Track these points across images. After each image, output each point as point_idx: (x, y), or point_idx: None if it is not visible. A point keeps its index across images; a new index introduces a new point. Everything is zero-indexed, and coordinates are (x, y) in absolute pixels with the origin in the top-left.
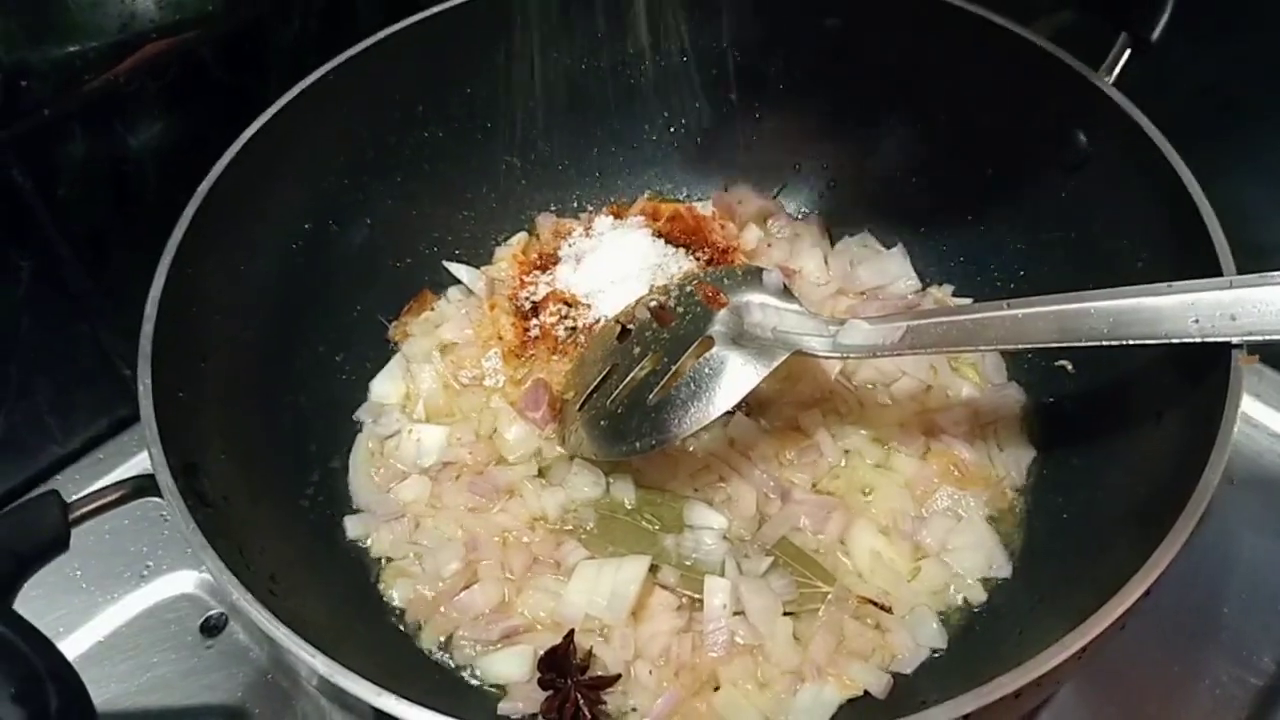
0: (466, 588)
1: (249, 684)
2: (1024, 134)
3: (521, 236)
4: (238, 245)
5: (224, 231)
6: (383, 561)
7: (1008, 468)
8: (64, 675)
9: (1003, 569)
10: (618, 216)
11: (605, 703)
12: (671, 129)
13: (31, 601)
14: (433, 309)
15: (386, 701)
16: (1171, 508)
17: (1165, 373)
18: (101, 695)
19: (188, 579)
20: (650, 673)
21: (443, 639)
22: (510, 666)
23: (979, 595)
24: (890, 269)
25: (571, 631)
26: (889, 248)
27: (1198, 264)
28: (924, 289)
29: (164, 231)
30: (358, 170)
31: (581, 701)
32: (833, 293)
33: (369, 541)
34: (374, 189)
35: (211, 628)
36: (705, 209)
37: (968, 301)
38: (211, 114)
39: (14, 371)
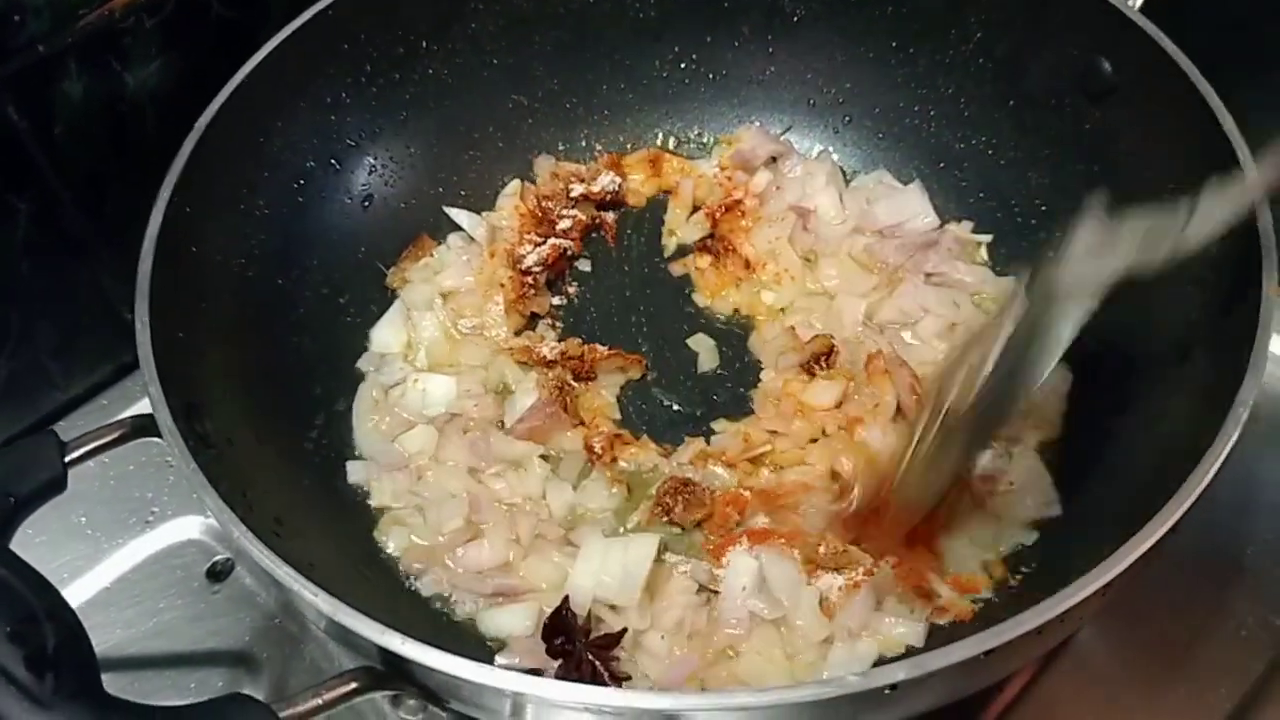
0: (470, 541)
1: (256, 629)
2: (1047, 64)
3: (516, 184)
4: (237, 183)
5: (223, 169)
6: (382, 510)
7: (1046, 395)
8: (61, 615)
9: (1054, 508)
10: (616, 170)
11: (618, 659)
12: (682, 64)
13: (36, 548)
14: (432, 255)
15: (391, 640)
16: (1198, 445)
17: (1192, 308)
18: (107, 641)
19: (193, 524)
20: (663, 638)
21: (444, 593)
22: (513, 621)
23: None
24: (908, 205)
25: (566, 597)
26: (906, 184)
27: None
28: (942, 225)
29: (164, 173)
30: (360, 108)
31: (596, 661)
32: (849, 230)
33: (370, 489)
34: (377, 128)
35: (218, 573)
36: (708, 164)
37: (988, 238)
38: (211, 51)
39: (14, 316)
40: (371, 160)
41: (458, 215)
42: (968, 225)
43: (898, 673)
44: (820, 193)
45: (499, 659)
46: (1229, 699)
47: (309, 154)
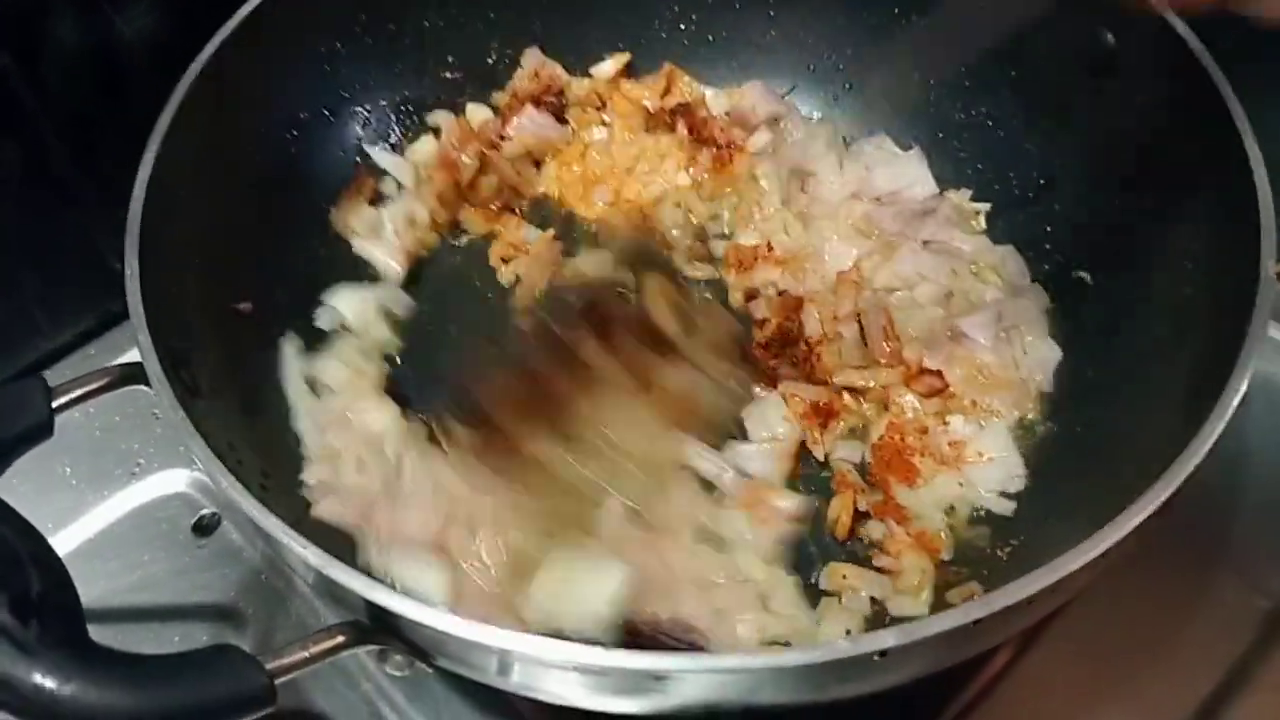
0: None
1: (242, 584)
2: (1048, 34)
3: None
4: (230, 131)
5: (214, 116)
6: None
7: (1033, 370)
8: (47, 561)
9: (1018, 482)
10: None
11: None
12: (682, 25)
13: (21, 498)
14: (372, 204)
15: (380, 595)
16: (1191, 421)
17: (1188, 285)
18: (91, 593)
19: (180, 478)
20: None
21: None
22: (428, 577)
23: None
24: (907, 172)
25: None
26: (906, 150)
27: (1228, 168)
28: (941, 193)
29: (156, 118)
30: (355, 59)
31: None
32: (848, 196)
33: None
34: (371, 78)
35: (204, 528)
36: (718, 102)
37: (986, 206)
38: None
39: (0, 262)
40: (365, 112)
41: (381, 159)
42: (966, 193)
43: (887, 639)
44: (820, 157)
45: None
46: (1212, 677)
47: (302, 103)
